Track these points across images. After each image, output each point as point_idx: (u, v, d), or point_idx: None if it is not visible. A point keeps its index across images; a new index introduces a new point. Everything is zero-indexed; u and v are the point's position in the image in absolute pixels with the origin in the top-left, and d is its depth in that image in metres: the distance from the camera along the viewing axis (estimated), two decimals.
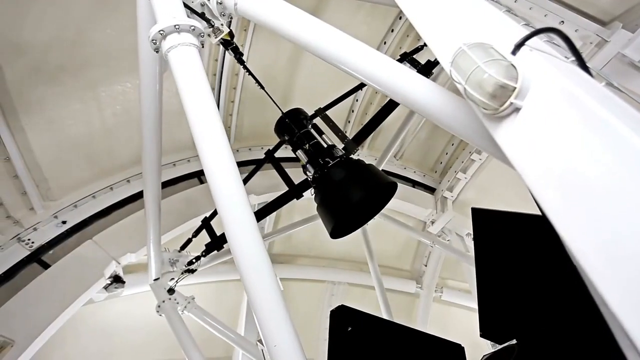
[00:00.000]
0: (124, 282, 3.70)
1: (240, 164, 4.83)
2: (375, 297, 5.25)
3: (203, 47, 1.85)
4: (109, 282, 3.61)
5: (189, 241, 3.53)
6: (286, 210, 5.23)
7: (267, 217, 4.76)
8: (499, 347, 2.05)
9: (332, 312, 2.39)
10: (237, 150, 4.92)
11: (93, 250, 3.54)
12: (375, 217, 2.99)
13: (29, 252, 3.34)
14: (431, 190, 5.97)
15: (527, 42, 0.92)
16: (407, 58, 3.66)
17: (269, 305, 1.41)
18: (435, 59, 3.76)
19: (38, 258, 3.37)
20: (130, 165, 4.14)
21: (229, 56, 4.11)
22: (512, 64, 0.88)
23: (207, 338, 4.56)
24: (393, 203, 5.60)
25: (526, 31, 1.00)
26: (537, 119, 0.77)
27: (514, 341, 1.99)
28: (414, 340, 2.55)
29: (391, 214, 5.66)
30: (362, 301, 5.43)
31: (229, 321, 5.16)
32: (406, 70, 1.44)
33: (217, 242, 3.24)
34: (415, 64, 3.70)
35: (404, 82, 1.39)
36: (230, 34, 2.27)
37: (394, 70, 1.45)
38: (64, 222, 3.61)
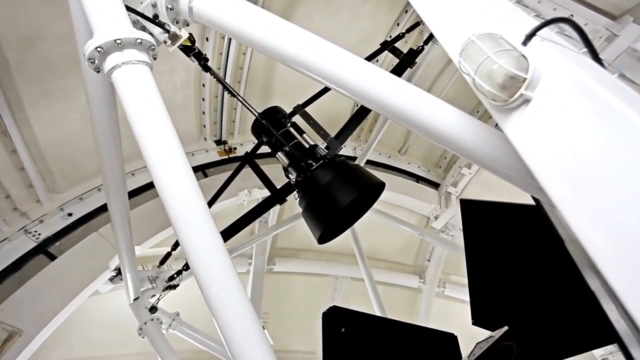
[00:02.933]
0: None
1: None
2: (379, 291, 5.25)
3: (156, 59, 1.53)
4: (114, 274, 3.65)
5: (168, 255, 3.41)
6: (290, 204, 5.23)
7: (271, 210, 4.76)
8: (493, 334, 2.07)
9: (324, 314, 2.37)
10: (242, 144, 4.93)
11: (98, 243, 3.58)
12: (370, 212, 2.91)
13: (35, 244, 3.38)
14: (435, 185, 5.95)
15: (539, 33, 0.90)
16: (388, 47, 3.51)
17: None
18: (418, 47, 3.67)
19: (44, 250, 3.41)
20: (135, 159, 4.15)
21: (233, 49, 4.10)
22: (523, 55, 0.86)
23: (211, 328, 4.57)
24: (396, 198, 5.63)
25: (537, 22, 0.98)
26: (547, 110, 0.76)
27: (506, 327, 2.01)
28: (408, 333, 2.57)
29: (394, 209, 5.65)
30: (365, 295, 5.43)
31: None
32: (410, 87, 1.28)
33: None
34: (397, 53, 3.56)
35: (408, 101, 1.24)
36: (190, 38, 2.02)
37: (398, 90, 1.26)
38: (69, 215, 3.64)
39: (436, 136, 1.20)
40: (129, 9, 1.59)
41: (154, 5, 1.70)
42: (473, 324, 2.15)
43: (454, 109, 1.21)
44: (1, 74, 2.88)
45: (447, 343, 2.52)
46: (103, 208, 3.82)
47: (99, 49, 1.39)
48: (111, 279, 3.67)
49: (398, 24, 4.57)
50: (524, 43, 0.90)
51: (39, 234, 3.43)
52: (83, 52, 1.42)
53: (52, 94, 3.26)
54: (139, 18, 1.67)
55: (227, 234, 3.12)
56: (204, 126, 4.69)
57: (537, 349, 1.89)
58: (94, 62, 1.44)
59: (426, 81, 5.28)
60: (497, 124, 2.02)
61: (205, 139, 4.75)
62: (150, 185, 4.09)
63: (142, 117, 1.38)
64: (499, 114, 0.91)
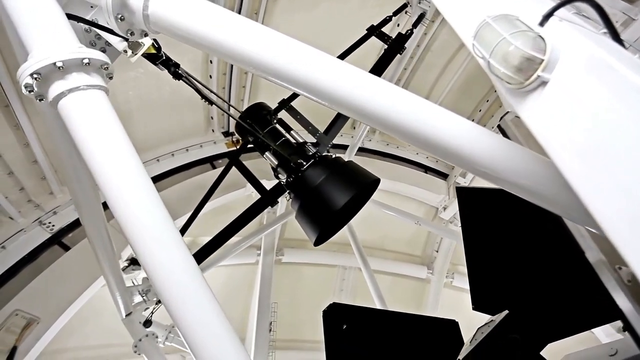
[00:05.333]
0: (140, 265, 3.80)
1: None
2: (385, 281, 5.27)
3: (112, 79, 1.30)
4: (126, 265, 3.71)
5: None
6: None
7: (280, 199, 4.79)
8: (493, 318, 2.08)
9: (324, 312, 2.35)
10: None
11: (110, 234, 3.63)
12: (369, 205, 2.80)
13: (50, 235, 3.46)
14: (444, 176, 5.90)
15: (556, 13, 0.87)
16: (375, 32, 3.33)
17: None
18: (407, 32, 3.51)
19: (59, 240, 3.49)
20: (144, 151, 4.20)
21: None
22: (540, 36, 0.83)
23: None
24: (404, 189, 5.60)
25: (553, 2, 0.95)
26: (565, 92, 0.74)
27: (506, 311, 2.02)
28: (410, 324, 2.58)
29: (402, 200, 5.63)
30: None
31: (241, 306, 5.29)
32: (405, 94, 1.12)
33: None
34: (384, 38, 3.39)
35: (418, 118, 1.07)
36: (155, 44, 1.81)
37: (389, 98, 1.10)
38: None
39: (434, 148, 1.08)
40: (73, 17, 1.33)
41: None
42: (473, 309, 2.16)
43: (453, 115, 1.08)
44: (12, 67, 2.91)
45: (448, 330, 2.53)
46: None
47: (35, 75, 1.12)
48: (123, 269, 3.74)
49: (406, 12, 4.48)
50: (541, 24, 0.87)
51: (53, 225, 3.50)
52: (17, 77, 1.15)
53: None
54: (88, 28, 1.42)
55: (223, 236, 2.99)
56: (212, 118, 4.70)
57: (539, 329, 1.90)
58: (32, 91, 1.16)
59: (426, 84, 5.22)
60: (502, 118, 1.98)
61: (212, 130, 4.77)
62: (153, 180, 4.13)
63: (99, 156, 1.13)
64: (514, 98, 0.88)
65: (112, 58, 1.63)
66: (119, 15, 1.34)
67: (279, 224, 4.94)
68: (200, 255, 2.92)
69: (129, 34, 1.42)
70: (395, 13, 3.51)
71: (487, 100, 5.38)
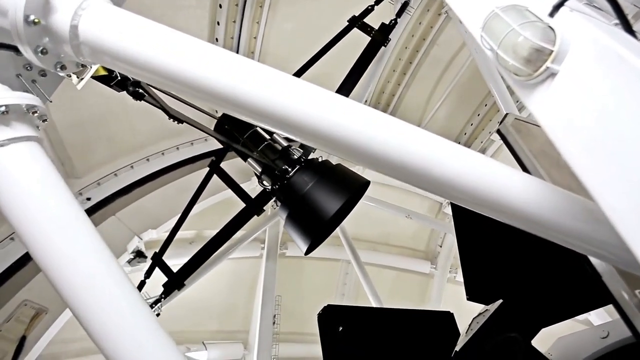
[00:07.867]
0: (146, 257, 3.85)
1: None
2: (390, 276, 5.29)
3: (46, 121, 1.08)
4: (132, 257, 3.76)
5: (142, 283, 3.09)
6: None
7: None
8: (488, 308, 2.09)
9: (319, 315, 2.34)
10: None
11: (116, 226, 3.67)
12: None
13: None
14: None
15: (566, 3, 0.86)
16: (357, 23, 3.17)
17: None
18: (391, 21, 3.30)
19: None
20: (149, 144, 4.22)
21: (245, 31, 4.05)
22: (550, 26, 0.82)
23: (226, 310, 4.69)
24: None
25: None
26: (575, 83, 0.73)
27: (500, 300, 2.03)
28: (405, 319, 2.60)
29: (406, 194, 5.62)
30: (376, 280, 5.47)
31: (245, 300, 5.34)
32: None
33: (177, 280, 2.74)
34: (367, 30, 3.22)
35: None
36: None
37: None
38: (88, 199, 3.75)
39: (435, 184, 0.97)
40: None
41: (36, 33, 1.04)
42: (468, 299, 2.17)
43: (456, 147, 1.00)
44: None
45: (444, 321, 2.54)
46: (120, 193, 3.92)
47: None
48: (129, 262, 3.80)
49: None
50: (551, 14, 0.86)
51: None
52: None
53: (68, 80, 3.30)
54: (17, 53, 1.12)
55: (207, 251, 2.87)
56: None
57: (533, 316, 1.91)
58: None
59: (430, 80, 5.16)
60: (501, 122, 1.93)
61: None
62: (158, 173, 4.16)
63: (28, 230, 1.01)
64: (522, 90, 0.87)
65: (55, 84, 1.37)
66: (40, 49, 1.03)
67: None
68: (185, 272, 2.83)
69: (58, 68, 1.12)
70: (377, 2, 3.26)
71: (465, 133, 5.36)
